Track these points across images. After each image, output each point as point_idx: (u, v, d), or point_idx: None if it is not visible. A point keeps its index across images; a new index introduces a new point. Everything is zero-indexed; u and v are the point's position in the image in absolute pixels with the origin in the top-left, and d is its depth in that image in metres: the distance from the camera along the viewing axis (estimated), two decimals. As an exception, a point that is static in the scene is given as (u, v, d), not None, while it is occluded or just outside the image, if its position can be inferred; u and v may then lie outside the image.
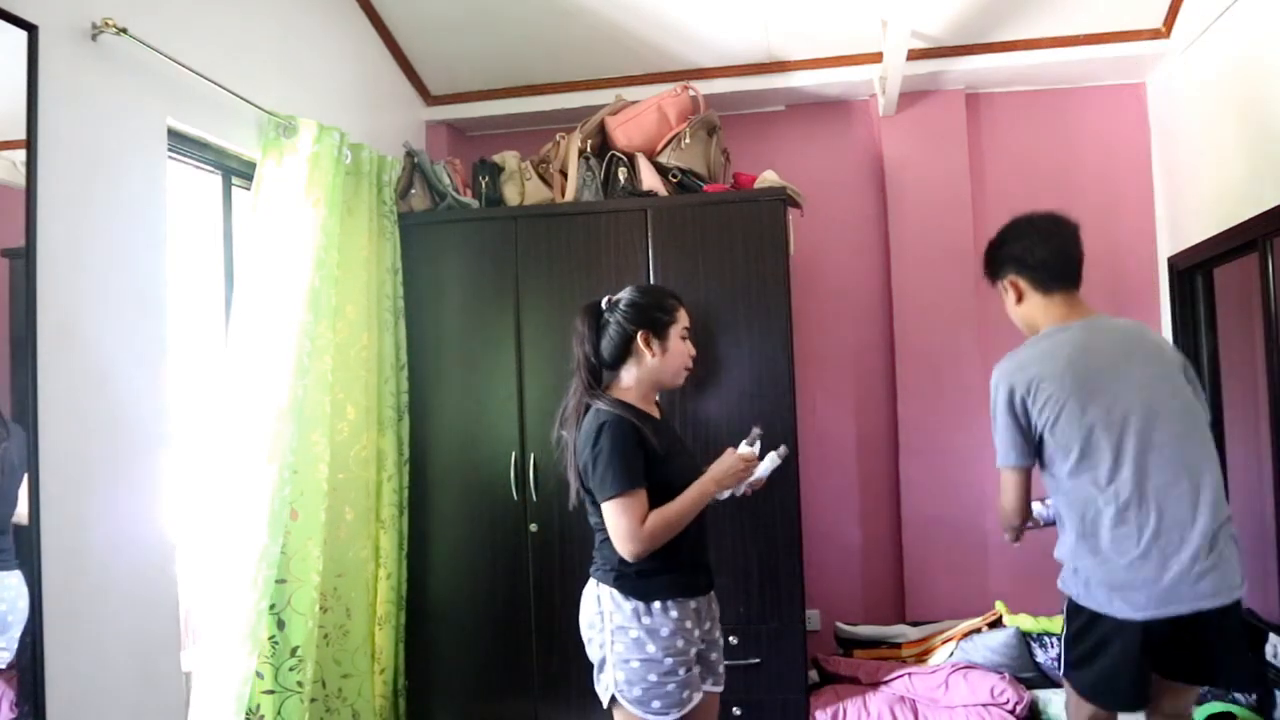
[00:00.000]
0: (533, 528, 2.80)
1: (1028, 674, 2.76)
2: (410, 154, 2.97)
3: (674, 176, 2.85)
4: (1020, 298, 1.99)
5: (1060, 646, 1.95)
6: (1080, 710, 1.92)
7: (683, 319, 1.99)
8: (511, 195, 2.95)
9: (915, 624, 3.15)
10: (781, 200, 2.74)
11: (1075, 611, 1.87)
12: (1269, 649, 2.56)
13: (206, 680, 2.14)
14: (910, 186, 3.37)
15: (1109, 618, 1.79)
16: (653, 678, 1.80)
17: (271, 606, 2.24)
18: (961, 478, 3.23)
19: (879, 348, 3.43)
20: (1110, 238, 3.32)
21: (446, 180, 2.93)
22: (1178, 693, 1.90)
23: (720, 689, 1.99)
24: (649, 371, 1.95)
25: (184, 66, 2.09)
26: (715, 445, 2.58)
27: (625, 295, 1.98)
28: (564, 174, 2.98)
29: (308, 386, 2.35)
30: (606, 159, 2.92)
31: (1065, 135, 3.38)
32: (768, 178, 2.82)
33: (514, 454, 2.81)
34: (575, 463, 1.90)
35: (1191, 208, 3.02)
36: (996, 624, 2.91)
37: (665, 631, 1.82)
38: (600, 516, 1.86)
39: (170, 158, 2.17)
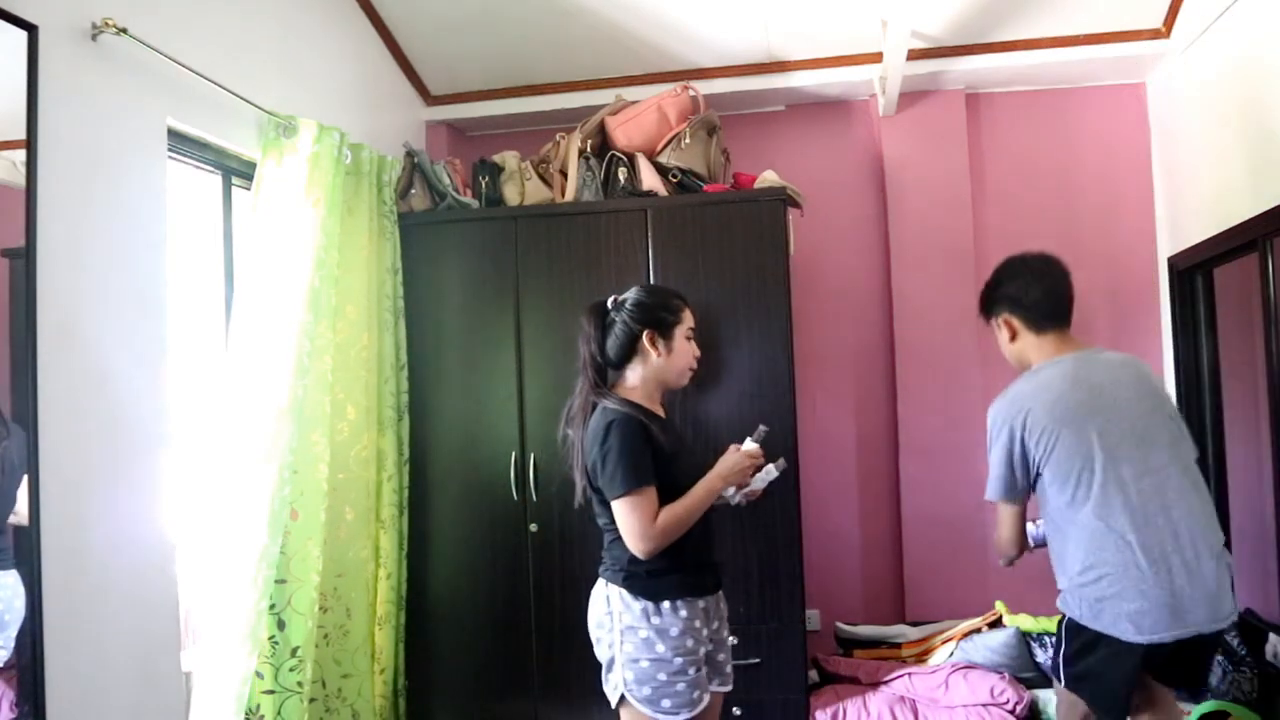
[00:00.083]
0: (533, 528, 2.80)
1: (1028, 674, 2.76)
2: (410, 154, 2.97)
3: (674, 176, 2.84)
4: (1014, 336, 2.05)
5: (1058, 659, 1.97)
6: (1072, 713, 1.95)
7: (688, 319, 2.00)
8: (511, 195, 2.95)
9: (915, 624, 3.15)
10: (781, 200, 2.74)
11: (1075, 631, 1.88)
12: (1269, 649, 2.56)
13: (206, 680, 2.14)
14: (910, 186, 3.37)
15: (1113, 640, 1.81)
16: (662, 677, 1.80)
17: (271, 606, 2.24)
18: (961, 477, 3.22)
19: (879, 348, 3.43)
20: (1110, 238, 3.33)
21: (446, 180, 2.93)
22: (1166, 694, 1.96)
23: (728, 689, 2.00)
24: (654, 371, 1.95)
25: (184, 66, 2.09)
26: (715, 445, 2.58)
27: (631, 295, 1.99)
28: (564, 174, 2.98)
29: (308, 386, 2.35)
30: (606, 159, 2.92)
31: (1065, 135, 3.38)
32: (768, 178, 2.82)
33: (514, 454, 2.81)
34: (582, 462, 1.90)
35: (1191, 208, 3.02)
36: (996, 624, 2.91)
37: (675, 631, 1.83)
38: (609, 516, 1.86)
39: (170, 158, 2.17)
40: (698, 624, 1.87)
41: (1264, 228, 2.48)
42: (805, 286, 3.32)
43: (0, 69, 1.68)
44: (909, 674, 2.78)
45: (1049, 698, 2.65)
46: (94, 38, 1.87)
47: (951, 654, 2.84)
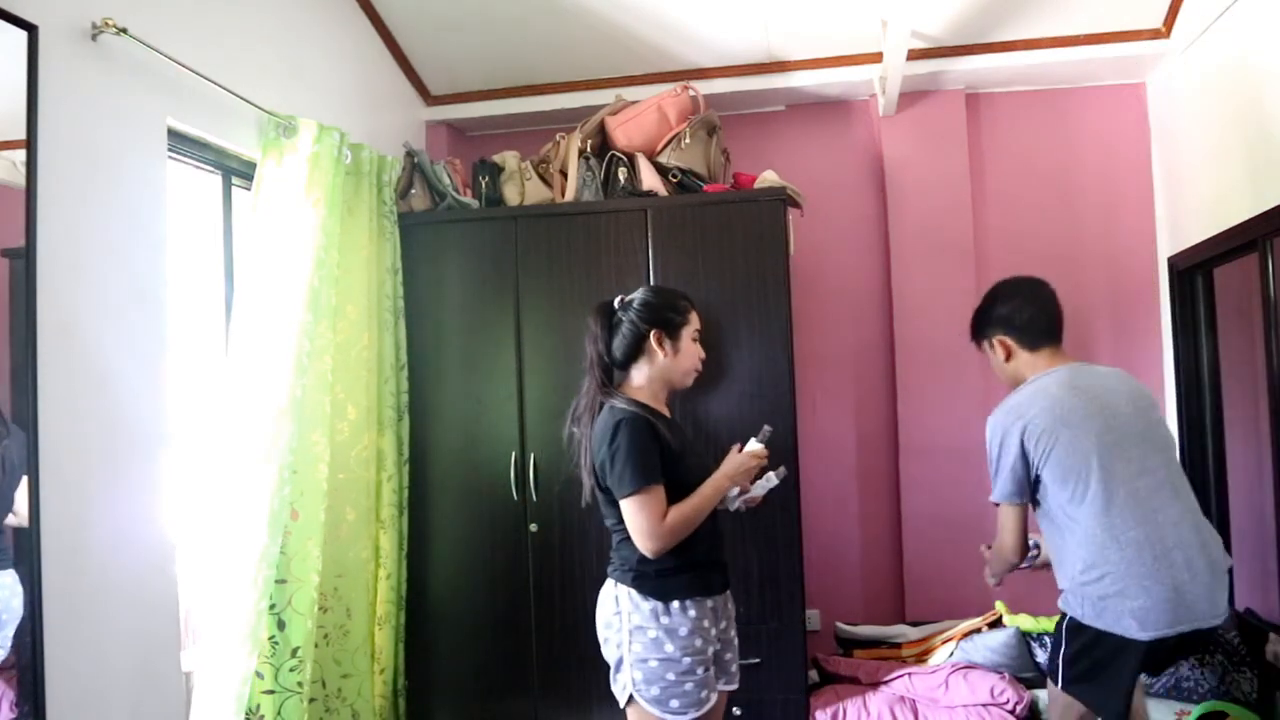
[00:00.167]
0: (533, 528, 2.79)
1: (1028, 674, 2.76)
2: (410, 154, 2.97)
3: (674, 176, 2.84)
4: (1009, 355, 2.12)
5: (1057, 661, 1.97)
6: (1066, 715, 1.96)
7: (694, 321, 2.02)
8: (511, 195, 2.95)
9: (915, 624, 3.15)
10: (781, 200, 2.74)
11: (1077, 630, 1.90)
12: (1269, 649, 2.56)
13: (206, 680, 2.14)
14: (910, 186, 3.37)
15: (1115, 637, 1.83)
16: (671, 677, 1.80)
17: (271, 606, 2.24)
18: (961, 477, 3.22)
19: (879, 348, 3.43)
20: (1110, 238, 3.33)
21: (446, 180, 2.93)
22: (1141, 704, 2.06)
23: (733, 688, 2.01)
24: (660, 371, 1.97)
25: (184, 66, 2.09)
26: (715, 445, 2.59)
27: (638, 295, 2.01)
28: (564, 174, 2.98)
29: (308, 386, 2.35)
30: (606, 159, 2.92)
31: (1065, 135, 3.38)
32: (768, 178, 2.82)
33: (514, 454, 2.81)
34: (589, 461, 1.91)
35: (1191, 208, 3.02)
36: (996, 624, 2.91)
37: (684, 631, 1.83)
38: (616, 516, 1.86)
39: (170, 158, 2.17)
40: (706, 624, 1.87)
41: (1264, 228, 2.48)
42: (805, 286, 3.32)
43: (0, 69, 1.68)
44: (909, 674, 2.78)
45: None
46: (94, 38, 1.87)
47: (951, 654, 2.84)
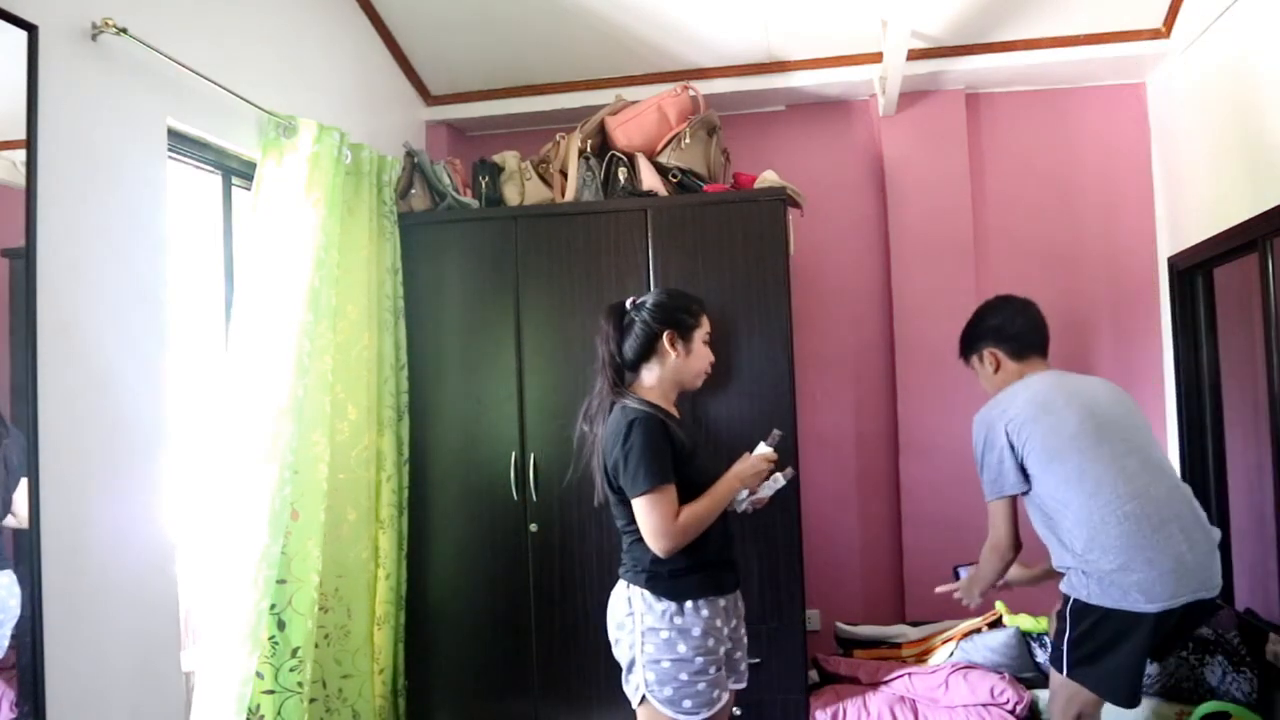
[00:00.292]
0: (533, 528, 2.79)
1: (1028, 674, 2.76)
2: (410, 154, 2.97)
3: (674, 176, 2.84)
4: (998, 367, 2.22)
5: (1061, 647, 1.97)
6: (1069, 707, 1.96)
7: (705, 324, 2.04)
8: (511, 195, 2.95)
9: (915, 624, 3.15)
10: (781, 200, 2.74)
11: (1083, 612, 1.91)
12: (1269, 649, 2.56)
13: (206, 680, 2.14)
14: (910, 186, 3.37)
15: (1123, 613, 1.85)
16: (683, 677, 1.81)
17: (272, 607, 2.24)
18: (961, 477, 3.21)
19: (879, 348, 3.43)
20: (1110, 238, 3.33)
21: (446, 180, 2.93)
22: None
23: (742, 686, 2.02)
24: (671, 371, 1.98)
25: (184, 66, 2.09)
26: (715, 445, 2.59)
27: (651, 296, 2.03)
28: (564, 174, 2.98)
29: (308, 386, 2.35)
30: (606, 159, 2.92)
31: (1065, 135, 3.38)
32: (768, 178, 2.82)
33: (514, 454, 2.81)
34: (601, 461, 1.91)
35: (1191, 208, 3.02)
36: (996, 624, 2.91)
37: (697, 631, 1.84)
38: (628, 517, 1.87)
39: (170, 158, 2.17)
40: (718, 623, 1.88)
41: (1264, 228, 2.48)
42: (805, 286, 3.33)
43: (0, 69, 1.68)
44: (909, 674, 2.78)
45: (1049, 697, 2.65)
46: (94, 38, 1.87)
47: (951, 654, 2.83)
